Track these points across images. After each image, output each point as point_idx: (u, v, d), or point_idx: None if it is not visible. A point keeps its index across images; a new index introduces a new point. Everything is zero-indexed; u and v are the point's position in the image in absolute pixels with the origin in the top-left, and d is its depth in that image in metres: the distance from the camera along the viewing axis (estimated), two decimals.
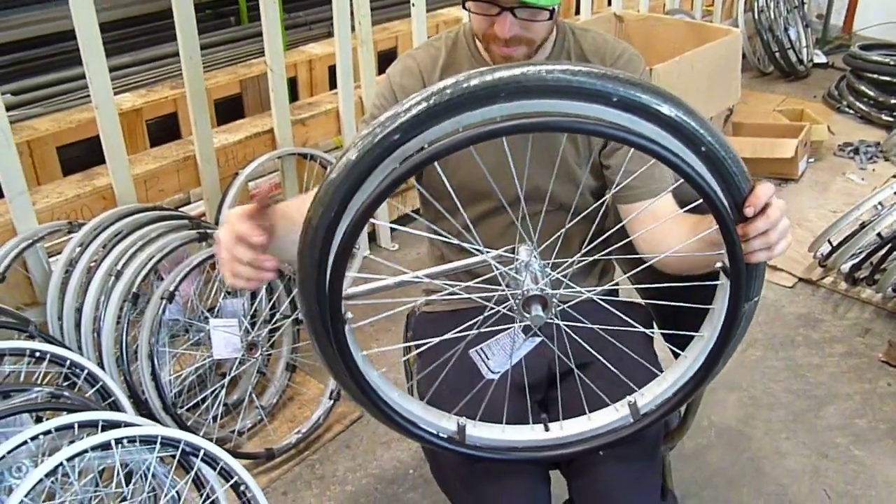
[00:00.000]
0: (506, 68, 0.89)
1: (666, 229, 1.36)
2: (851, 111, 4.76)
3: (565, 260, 1.18)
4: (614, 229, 1.51)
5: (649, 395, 1.23)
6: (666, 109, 0.90)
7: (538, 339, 1.26)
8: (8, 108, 2.22)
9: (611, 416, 1.26)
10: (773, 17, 5.17)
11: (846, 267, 3.06)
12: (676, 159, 0.92)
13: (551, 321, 1.15)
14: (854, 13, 6.17)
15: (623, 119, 0.91)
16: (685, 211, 1.38)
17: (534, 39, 1.40)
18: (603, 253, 1.31)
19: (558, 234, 1.21)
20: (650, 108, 0.90)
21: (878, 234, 2.92)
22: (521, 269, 1.11)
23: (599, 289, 1.26)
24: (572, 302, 1.28)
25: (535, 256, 1.12)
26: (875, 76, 4.69)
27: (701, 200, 0.96)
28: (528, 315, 1.10)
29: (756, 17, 5.19)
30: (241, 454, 2.20)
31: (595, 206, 1.49)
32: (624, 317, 1.38)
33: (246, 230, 1.06)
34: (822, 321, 2.91)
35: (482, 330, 1.25)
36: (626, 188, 1.48)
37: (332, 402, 2.37)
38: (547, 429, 1.29)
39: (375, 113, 1.52)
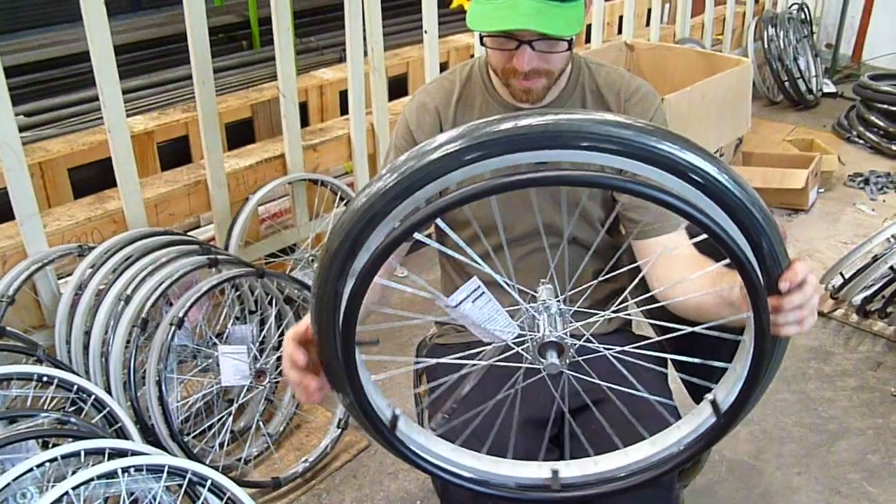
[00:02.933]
0: (551, 114, 0.89)
1: (680, 272, 1.35)
2: (861, 141, 4.75)
3: (588, 311, 1.16)
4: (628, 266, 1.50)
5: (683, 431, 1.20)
6: (703, 168, 0.89)
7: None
8: (21, 130, 2.22)
9: (645, 450, 1.23)
10: (782, 46, 5.18)
11: (858, 299, 3.04)
12: (709, 221, 0.90)
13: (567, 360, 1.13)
14: (863, 43, 6.18)
15: (654, 175, 0.90)
16: (694, 244, 1.37)
17: (552, 71, 1.40)
18: (620, 300, 1.29)
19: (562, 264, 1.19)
20: (683, 166, 0.88)
21: (891, 268, 2.90)
22: (541, 312, 1.09)
23: (618, 348, 1.23)
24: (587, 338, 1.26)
25: (557, 300, 1.10)
26: (885, 106, 4.67)
27: (707, 236, 0.95)
28: (543, 361, 1.08)
29: (766, 45, 5.20)
30: (248, 483, 2.18)
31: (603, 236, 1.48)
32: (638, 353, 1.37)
33: (290, 353, 1.16)
34: (834, 354, 2.89)
35: (493, 362, 1.23)
36: (638, 224, 1.47)
37: (339, 430, 2.35)
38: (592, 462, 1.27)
39: (396, 154, 1.52)
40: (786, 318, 1.03)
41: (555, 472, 1.25)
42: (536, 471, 1.26)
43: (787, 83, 5.25)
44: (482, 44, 1.41)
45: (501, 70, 1.42)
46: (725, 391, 1.13)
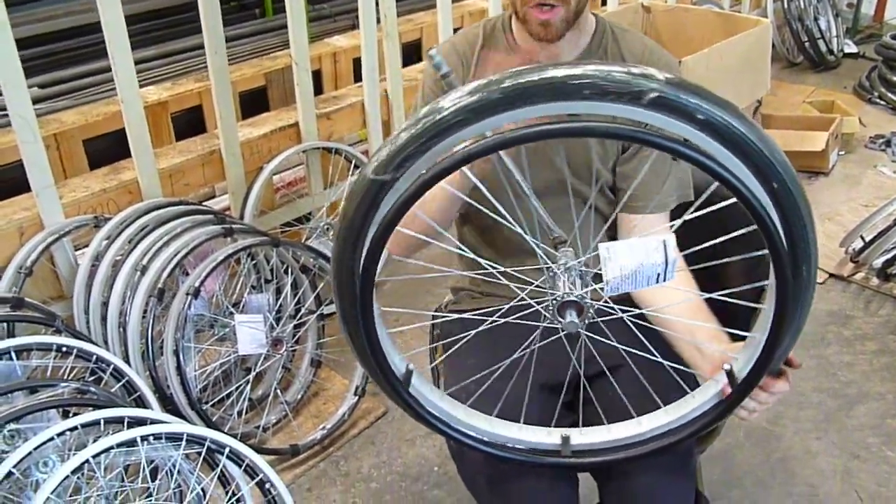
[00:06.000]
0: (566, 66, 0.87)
1: None
2: (883, 102, 4.67)
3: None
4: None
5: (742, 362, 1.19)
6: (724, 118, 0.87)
7: None
8: (35, 102, 2.22)
9: (659, 419, 1.23)
10: (802, 6, 5.10)
11: (878, 262, 3.00)
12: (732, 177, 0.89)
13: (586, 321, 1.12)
14: (886, 2, 6.06)
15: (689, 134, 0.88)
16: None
17: (570, 0, 1.37)
18: None
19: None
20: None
21: None
22: (561, 273, 1.08)
23: (636, 311, 1.22)
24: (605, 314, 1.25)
25: (578, 262, 1.09)
26: None
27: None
28: (561, 320, 1.07)
29: (785, 6, 5.11)
30: (266, 450, 2.20)
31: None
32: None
33: None
34: (854, 318, 2.86)
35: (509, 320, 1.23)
36: (630, 197, 1.46)
37: (356, 398, 2.37)
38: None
39: (425, 101, 1.51)
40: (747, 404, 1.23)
41: (565, 439, 1.25)
42: (547, 437, 1.26)
43: (807, 44, 5.16)
44: None
45: (519, 0, 1.38)
46: (743, 361, 1.13)
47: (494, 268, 1.20)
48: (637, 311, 1.20)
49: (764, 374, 1.12)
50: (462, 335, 1.34)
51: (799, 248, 0.95)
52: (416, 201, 0.93)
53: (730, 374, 1.15)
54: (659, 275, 1.04)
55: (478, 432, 1.25)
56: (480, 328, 1.29)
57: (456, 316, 1.54)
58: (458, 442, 1.24)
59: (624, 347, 1.26)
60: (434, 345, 1.72)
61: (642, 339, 1.26)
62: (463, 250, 1.32)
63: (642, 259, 1.02)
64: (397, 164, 0.91)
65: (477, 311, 1.54)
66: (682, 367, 1.29)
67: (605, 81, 0.85)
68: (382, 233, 0.96)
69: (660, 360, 1.24)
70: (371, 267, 0.99)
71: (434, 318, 1.73)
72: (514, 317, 1.19)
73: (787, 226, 0.93)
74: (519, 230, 1.13)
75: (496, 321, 1.24)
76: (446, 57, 1.52)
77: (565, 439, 1.25)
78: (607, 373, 1.38)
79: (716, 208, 1.01)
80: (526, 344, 1.24)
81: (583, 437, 1.26)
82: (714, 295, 1.19)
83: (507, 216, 1.12)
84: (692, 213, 1.06)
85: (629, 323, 1.21)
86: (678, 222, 1.09)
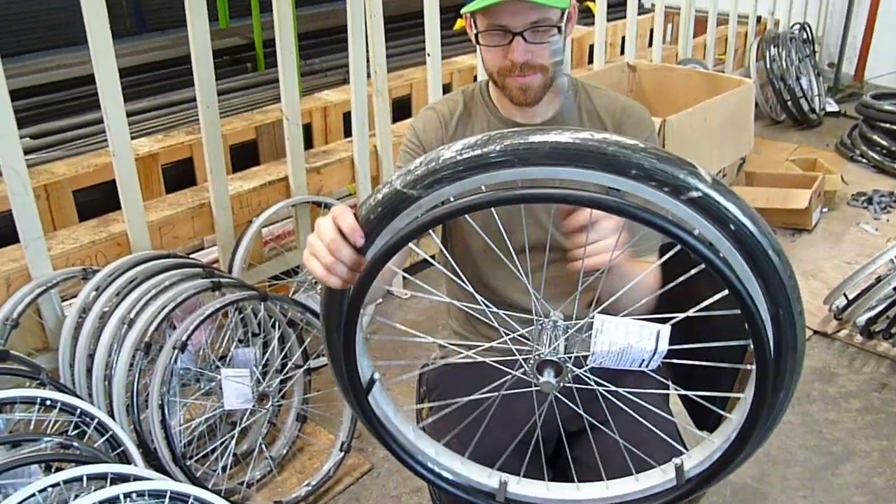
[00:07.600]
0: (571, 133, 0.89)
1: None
2: (864, 160, 4.75)
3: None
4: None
5: (697, 458, 1.19)
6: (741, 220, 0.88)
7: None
8: (27, 152, 2.23)
9: (599, 492, 1.23)
10: (784, 65, 5.20)
11: (862, 320, 3.03)
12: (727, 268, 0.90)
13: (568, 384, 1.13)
14: (865, 62, 6.20)
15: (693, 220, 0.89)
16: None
17: (546, 66, 1.44)
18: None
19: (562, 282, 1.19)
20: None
21: (894, 289, 2.89)
22: (547, 332, 1.09)
23: (612, 388, 1.22)
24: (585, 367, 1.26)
25: (568, 324, 1.10)
26: (888, 125, 4.68)
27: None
28: (539, 379, 1.08)
29: (768, 65, 5.22)
30: None
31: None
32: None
33: (348, 228, 1.04)
34: (838, 375, 2.88)
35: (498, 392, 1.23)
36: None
37: (342, 453, 2.35)
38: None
39: (405, 162, 1.54)
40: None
41: (503, 484, 1.25)
42: (487, 478, 1.27)
43: (789, 102, 5.26)
44: (477, 41, 1.45)
45: (497, 70, 1.46)
46: (695, 461, 1.15)
47: (488, 307, 1.21)
48: (612, 388, 1.20)
49: (713, 481, 1.12)
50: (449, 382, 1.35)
51: (784, 371, 0.97)
52: (439, 224, 0.96)
53: (679, 469, 1.15)
54: (644, 360, 1.05)
55: (423, 456, 1.25)
56: (462, 362, 1.29)
57: (442, 362, 1.54)
58: (402, 462, 1.25)
59: (588, 418, 1.26)
60: (421, 405, 1.72)
61: (607, 411, 1.27)
62: (463, 282, 1.32)
63: (633, 342, 1.03)
64: (427, 183, 0.93)
65: (465, 365, 1.55)
66: (635, 450, 1.29)
67: (655, 168, 0.86)
68: (394, 245, 0.98)
69: (616, 437, 1.25)
70: (373, 272, 1.01)
71: (422, 370, 1.73)
72: (492, 359, 1.20)
73: (779, 350, 0.95)
74: (523, 279, 1.15)
75: (476, 360, 1.24)
76: (428, 123, 1.57)
77: (503, 484, 1.26)
78: (564, 435, 1.40)
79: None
80: (495, 385, 1.24)
81: (520, 486, 1.26)
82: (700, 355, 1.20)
83: (514, 267, 1.14)
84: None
85: (600, 395, 1.21)
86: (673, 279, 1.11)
